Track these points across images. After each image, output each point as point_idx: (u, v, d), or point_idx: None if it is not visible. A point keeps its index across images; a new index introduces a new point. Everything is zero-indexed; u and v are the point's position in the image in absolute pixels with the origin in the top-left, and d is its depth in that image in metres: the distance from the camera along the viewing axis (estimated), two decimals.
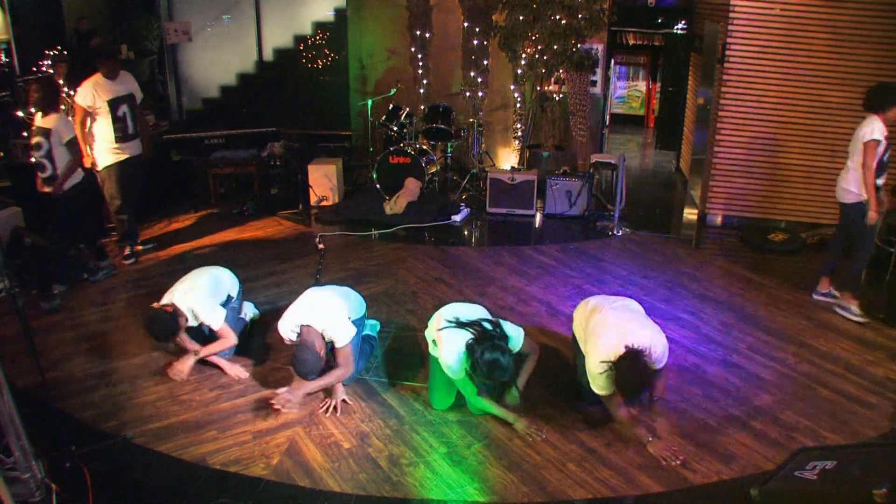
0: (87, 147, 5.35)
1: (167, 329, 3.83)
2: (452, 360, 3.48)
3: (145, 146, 5.71)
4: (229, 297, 4.22)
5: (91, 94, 5.27)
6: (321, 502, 3.10)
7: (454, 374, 3.52)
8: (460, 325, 3.52)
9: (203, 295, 3.98)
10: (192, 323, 3.98)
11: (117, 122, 5.37)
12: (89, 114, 5.30)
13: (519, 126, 7.99)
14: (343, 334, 3.68)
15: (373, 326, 4.41)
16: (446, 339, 3.53)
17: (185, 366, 3.99)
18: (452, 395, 3.76)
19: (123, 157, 5.49)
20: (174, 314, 3.88)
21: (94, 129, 5.35)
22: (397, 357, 4.28)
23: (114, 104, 5.35)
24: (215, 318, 3.98)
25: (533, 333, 4.56)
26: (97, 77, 5.33)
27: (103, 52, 5.47)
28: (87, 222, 5.62)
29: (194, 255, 5.82)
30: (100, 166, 5.44)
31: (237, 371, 4.05)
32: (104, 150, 5.41)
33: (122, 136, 5.42)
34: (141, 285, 5.28)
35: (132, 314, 4.80)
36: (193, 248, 6.04)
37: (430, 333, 3.79)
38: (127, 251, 5.69)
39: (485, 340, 3.39)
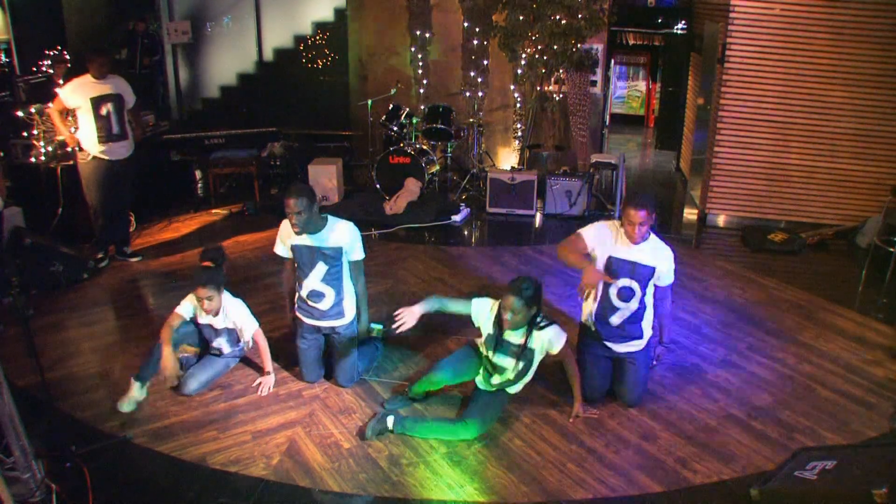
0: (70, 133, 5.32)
1: None
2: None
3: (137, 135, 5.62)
4: None
5: (74, 95, 5.17)
6: (321, 502, 3.11)
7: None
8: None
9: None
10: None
11: (100, 120, 5.23)
12: (68, 110, 5.25)
13: (519, 126, 7.99)
14: (358, 251, 3.86)
15: (378, 331, 4.41)
16: None
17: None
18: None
19: (106, 158, 5.36)
20: None
21: (79, 125, 5.30)
22: (397, 357, 4.28)
23: (97, 102, 5.20)
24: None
25: None
26: (85, 77, 5.23)
27: (92, 51, 5.32)
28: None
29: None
30: (88, 155, 5.34)
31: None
32: (88, 147, 5.32)
33: (105, 136, 5.28)
34: (142, 285, 5.28)
35: (132, 314, 4.80)
36: (186, 253, 6.04)
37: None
38: (100, 255, 5.58)
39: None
